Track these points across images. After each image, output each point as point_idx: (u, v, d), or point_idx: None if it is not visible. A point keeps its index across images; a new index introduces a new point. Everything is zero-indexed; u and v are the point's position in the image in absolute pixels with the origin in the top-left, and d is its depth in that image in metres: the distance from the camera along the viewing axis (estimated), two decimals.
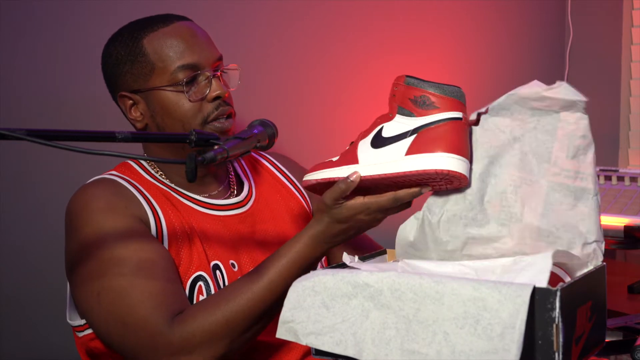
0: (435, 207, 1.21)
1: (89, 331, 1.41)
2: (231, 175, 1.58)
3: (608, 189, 2.23)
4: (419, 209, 1.23)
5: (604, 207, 2.12)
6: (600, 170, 2.29)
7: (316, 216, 1.29)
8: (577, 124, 1.15)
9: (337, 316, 1.07)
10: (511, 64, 2.63)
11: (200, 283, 1.40)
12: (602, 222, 1.17)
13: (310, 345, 1.09)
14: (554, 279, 1.09)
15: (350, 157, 1.24)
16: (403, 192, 1.22)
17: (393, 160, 1.19)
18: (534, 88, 1.15)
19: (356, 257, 1.22)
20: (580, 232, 1.15)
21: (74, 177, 1.77)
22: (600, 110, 2.62)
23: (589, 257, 1.16)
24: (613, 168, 2.31)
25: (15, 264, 1.78)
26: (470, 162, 1.19)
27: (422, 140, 1.18)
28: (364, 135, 1.25)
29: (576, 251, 1.15)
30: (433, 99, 1.18)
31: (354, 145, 1.25)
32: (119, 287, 1.30)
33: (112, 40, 1.49)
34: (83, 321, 1.42)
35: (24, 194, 1.80)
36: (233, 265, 1.45)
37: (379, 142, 1.22)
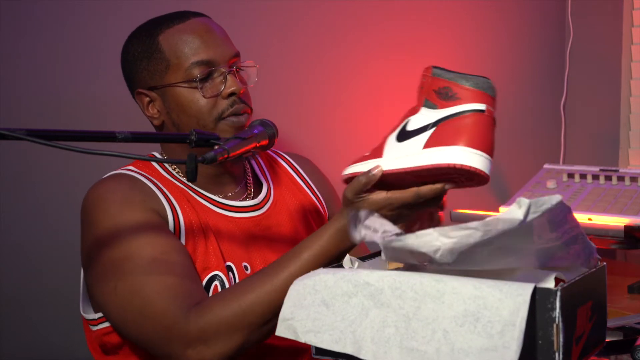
0: None
1: (103, 325, 1.41)
2: (249, 176, 1.57)
3: (608, 189, 2.23)
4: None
5: (604, 207, 2.12)
6: (600, 170, 2.29)
7: (341, 210, 1.26)
8: None
9: (337, 314, 1.07)
10: (511, 64, 2.62)
11: (216, 282, 1.40)
12: (602, 222, 1.16)
13: (309, 342, 1.08)
14: None
15: (377, 151, 1.21)
16: (426, 188, 1.18)
17: (412, 154, 1.14)
18: None
19: (356, 263, 1.20)
20: None
21: (74, 177, 1.77)
22: (600, 110, 2.62)
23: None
24: (613, 168, 2.31)
25: (15, 264, 1.78)
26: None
27: (441, 133, 1.11)
28: (393, 129, 1.20)
29: None
30: (455, 89, 1.12)
31: (384, 139, 1.21)
32: (136, 279, 1.30)
33: (130, 38, 1.49)
34: (97, 315, 1.42)
35: (24, 194, 1.80)
36: (246, 267, 1.45)
37: (403, 135, 1.17)
